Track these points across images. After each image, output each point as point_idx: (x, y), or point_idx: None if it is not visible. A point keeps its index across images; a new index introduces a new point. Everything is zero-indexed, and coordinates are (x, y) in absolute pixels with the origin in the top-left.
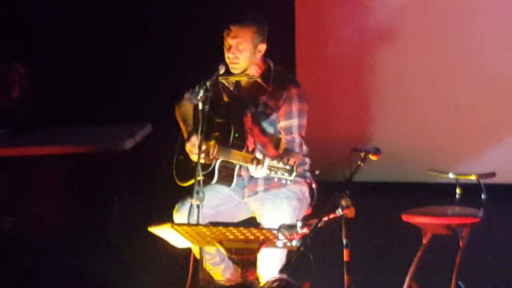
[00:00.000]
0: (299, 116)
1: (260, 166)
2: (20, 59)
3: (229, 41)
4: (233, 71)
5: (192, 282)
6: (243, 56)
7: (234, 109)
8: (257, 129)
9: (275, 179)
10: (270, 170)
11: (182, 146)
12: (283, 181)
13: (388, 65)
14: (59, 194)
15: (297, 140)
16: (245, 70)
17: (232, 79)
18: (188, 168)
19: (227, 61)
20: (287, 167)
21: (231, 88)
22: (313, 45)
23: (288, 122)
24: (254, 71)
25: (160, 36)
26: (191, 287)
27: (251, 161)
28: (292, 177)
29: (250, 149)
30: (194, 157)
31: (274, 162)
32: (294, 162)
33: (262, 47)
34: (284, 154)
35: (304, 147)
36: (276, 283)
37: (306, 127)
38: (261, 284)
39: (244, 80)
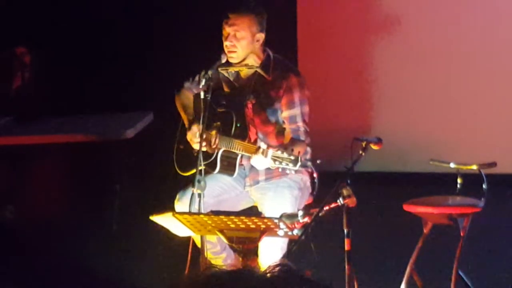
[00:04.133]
0: (301, 104)
1: (264, 156)
2: (23, 47)
3: (227, 29)
4: (231, 60)
5: (192, 269)
6: (241, 44)
7: (235, 100)
8: (258, 119)
9: (279, 169)
10: (275, 160)
11: (182, 136)
12: (288, 172)
13: (390, 55)
14: (61, 183)
15: (302, 128)
16: (244, 59)
17: (232, 69)
18: (189, 158)
19: (225, 50)
20: (292, 157)
21: (231, 79)
22: (315, 35)
23: (291, 111)
24: (254, 61)
25: (161, 25)
26: (192, 273)
27: (255, 151)
28: (297, 167)
29: (252, 140)
30: (195, 146)
31: (278, 153)
32: (299, 152)
33: (261, 36)
34: (290, 144)
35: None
36: (277, 268)
37: (309, 114)
38: (262, 270)
39: (244, 70)
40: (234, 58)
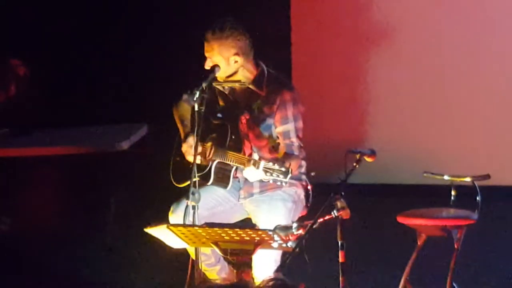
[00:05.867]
0: (295, 119)
1: (255, 167)
2: (17, 59)
3: (205, 53)
4: (218, 79)
5: (190, 283)
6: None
7: (230, 113)
8: (252, 134)
9: (271, 181)
10: (266, 172)
11: (179, 148)
12: (279, 183)
13: (383, 67)
14: (56, 195)
15: (296, 143)
16: (232, 75)
17: (225, 85)
18: (184, 169)
19: None
20: (283, 169)
21: (226, 92)
22: (309, 48)
23: (285, 127)
24: (245, 76)
25: (157, 37)
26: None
27: (247, 162)
28: (287, 179)
29: (247, 154)
30: (190, 158)
31: (270, 164)
32: (290, 164)
33: (236, 59)
34: (283, 158)
35: (302, 149)
36: (271, 282)
37: (303, 129)
38: (257, 284)
39: (237, 85)
40: (219, 77)
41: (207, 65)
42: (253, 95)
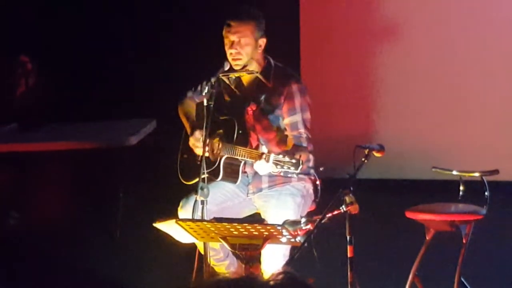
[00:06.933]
0: (302, 110)
1: (266, 161)
2: (26, 55)
3: (231, 37)
4: (236, 67)
5: (197, 277)
6: (245, 51)
7: (236, 107)
8: (260, 126)
9: (282, 173)
10: (276, 164)
11: (186, 145)
12: (289, 175)
13: (392, 62)
14: (64, 190)
15: (304, 134)
16: (246, 66)
17: (233, 75)
18: (192, 167)
19: (229, 57)
20: (293, 160)
21: (232, 86)
22: (317, 43)
23: (293, 118)
24: (255, 68)
25: (164, 33)
26: (196, 281)
27: (258, 157)
28: (298, 170)
29: (253, 146)
30: (198, 151)
31: (280, 157)
32: (300, 156)
33: (262, 41)
34: (292, 150)
35: (310, 141)
36: (280, 276)
37: (311, 121)
38: (266, 278)
39: (245, 77)
40: (239, 65)
41: (234, 48)
42: (260, 87)
